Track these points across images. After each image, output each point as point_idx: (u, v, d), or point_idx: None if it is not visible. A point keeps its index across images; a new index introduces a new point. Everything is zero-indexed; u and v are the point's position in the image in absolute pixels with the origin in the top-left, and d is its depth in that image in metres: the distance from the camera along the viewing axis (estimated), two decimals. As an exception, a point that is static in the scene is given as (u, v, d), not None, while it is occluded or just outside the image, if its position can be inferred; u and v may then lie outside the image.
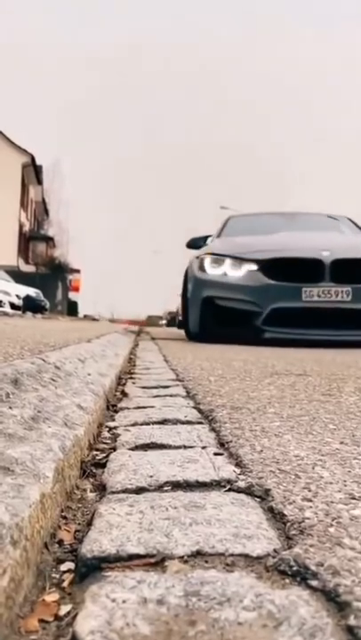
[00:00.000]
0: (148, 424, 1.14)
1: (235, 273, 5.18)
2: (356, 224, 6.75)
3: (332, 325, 4.90)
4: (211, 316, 5.22)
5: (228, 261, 5.26)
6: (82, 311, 38.17)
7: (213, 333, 5.18)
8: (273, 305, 4.92)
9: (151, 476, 0.76)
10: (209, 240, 6.50)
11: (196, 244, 6.57)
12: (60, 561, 0.55)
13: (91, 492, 0.77)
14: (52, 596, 0.48)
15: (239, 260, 5.21)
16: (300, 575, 0.47)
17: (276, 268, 4.98)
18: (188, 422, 1.17)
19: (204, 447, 0.94)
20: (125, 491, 0.70)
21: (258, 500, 0.68)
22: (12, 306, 14.94)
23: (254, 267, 5.07)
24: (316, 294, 4.85)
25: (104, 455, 0.93)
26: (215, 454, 0.89)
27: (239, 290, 5.07)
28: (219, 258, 5.35)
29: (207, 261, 5.39)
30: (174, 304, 27.40)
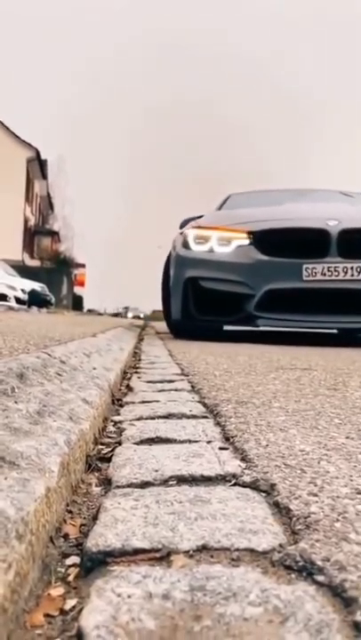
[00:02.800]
0: (153, 418, 1.14)
1: (223, 249, 4.26)
2: None
3: (339, 310, 4.06)
4: (194, 301, 4.33)
5: (215, 235, 4.33)
6: (87, 306, 38.23)
7: (198, 322, 4.36)
8: (267, 286, 4.05)
9: (156, 471, 0.76)
10: None
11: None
12: (66, 555, 0.55)
13: (96, 486, 0.77)
14: (57, 591, 0.48)
15: (228, 232, 4.33)
16: (307, 570, 0.47)
17: (272, 240, 4.14)
18: (194, 417, 1.17)
19: (209, 441, 0.94)
20: (131, 485, 0.70)
21: (263, 494, 0.67)
22: (18, 300, 14.97)
23: (246, 240, 4.19)
24: (321, 272, 3.98)
25: (109, 449, 0.93)
26: (220, 449, 0.89)
27: (228, 268, 4.17)
28: (205, 232, 4.41)
29: (191, 236, 4.45)
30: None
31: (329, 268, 3.97)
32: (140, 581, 0.45)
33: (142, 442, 0.94)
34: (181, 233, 4.68)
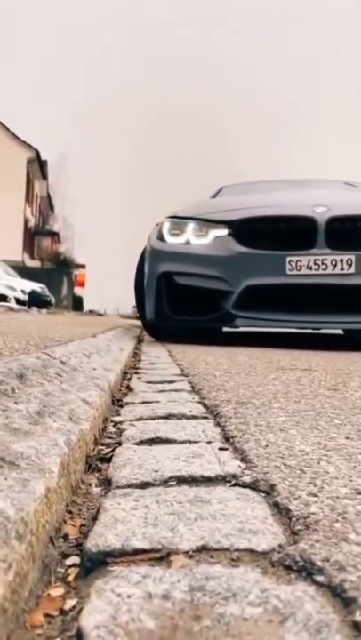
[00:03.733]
0: (153, 419, 1.14)
1: (200, 240, 3.81)
2: None
3: (327, 309, 3.61)
4: (168, 299, 3.85)
5: (191, 226, 3.85)
6: (87, 306, 38.25)
7: (172, 322, 3.88)
8: (247, 282, 3.60)
9: (156, 471, 0.76)
10: None
11: None
12: (66, 555, 0.55)
13: (96, 486, 0.77)
14: (57, 591, 0.48)
15: (205, 222, 3.83)
16: (306, 570, 0.47)
17: (252, 230, 3.69)
18: (194, 417, 1.17)
19: (209, 442, 0.94)
20: (131, 485, 0.70)
21: (263, 494, 0.67)
22: (18, 301, 14.98)
23: (224, 231, 3.74)
24: (306, 265, 3.51)
25: (109, 450, 0.93)
26: (220, 449, 0.89)
27: (204, 262, 3.72)
28: (181, 222, 3.92)
29: (166, 227, 3.96)
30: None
31: (316, 260, 3.51)
32: (140, 581, 0.45)
33: (142, 442, 0.94)
34: (157, 224, 4.19)
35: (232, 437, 0.97)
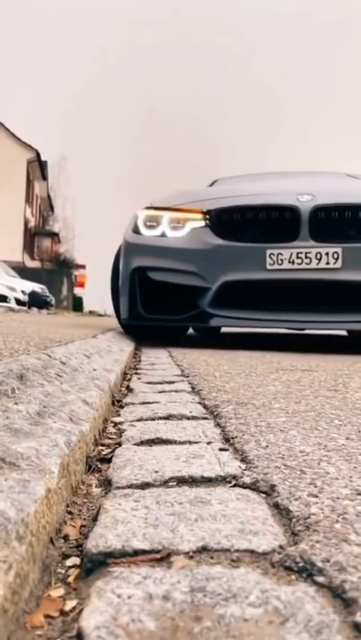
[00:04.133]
0: (153, 419, 1.14)
1: (176, 233, 3.49)
2: None
3: (312, 307, 3.30)
4: (142, 297, 3.55)
5: (166, 217, 3.54)
6: (87, 307, 38.24)
7: (146, 322, 3.57)
8: (224, 277, 3.31)
9: (156, 472, 0.76)
10: None
11: None
12: (66, 556, 0.55)
13: (96, 487, 0.77)
14: (57, 592, 0.48)
15: (182, 212, 3.54)
16: (307, 571, 0.47)
17: (230, 221, 3.41)
18: (194, 418, 1.17)
19: (209, 443, 0.94)
20: (131, 486, 0.70)
21: (263, 495, 0.67)
22: (18, 301, 14.98)
23: (201, 222, 3.45)
24: (288, 259, 3.21)
25: (109, 450, 0.93)
26: (220, 450, 0.89)
27: (180, 256, 3.41)
28: (157, 213, 3.61)
29: (141, 219, 3.63)
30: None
31: (298, 254, 3.21)
32: (141, 582, 0.45)
33: (142, 443, 0.94)
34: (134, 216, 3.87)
35: (232, 438, 0.97)
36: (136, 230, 3.63)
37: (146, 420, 1.15)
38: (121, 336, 3.58)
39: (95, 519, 0.60)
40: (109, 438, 1.04)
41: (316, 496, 0.65)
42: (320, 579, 0.46)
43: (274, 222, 3.31)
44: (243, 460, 0.83)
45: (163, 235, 3.53)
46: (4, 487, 0.53)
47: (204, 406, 1.31)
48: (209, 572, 0.47)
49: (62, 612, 0.45)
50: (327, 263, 3.18)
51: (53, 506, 0.59)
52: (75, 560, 0.54)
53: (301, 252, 3.21)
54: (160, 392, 1.55)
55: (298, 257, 3.21)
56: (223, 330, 6.52)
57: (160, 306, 3.51)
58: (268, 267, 3.24)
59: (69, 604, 0.46)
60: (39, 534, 0.51)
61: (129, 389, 1.62)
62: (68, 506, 0.67)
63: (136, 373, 2.06)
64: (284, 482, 0.71)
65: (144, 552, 0.51)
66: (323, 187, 3.59)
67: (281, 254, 3.23)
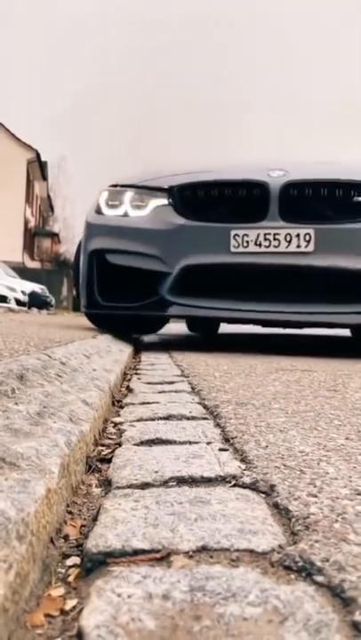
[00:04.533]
0: (153, 420, 1.15)
1: (138, 212, 3.18)
2: None
3: (281, 297, 2.93)
4: (99, 282, 3.23)
5: (128, 195, 3.23)
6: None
7: (103, 310, 3.27)
8: (185, 261, 2.97)
9: (156, 472, 0.76)
10: None
11: None
12: (66, 556, 0.55)
13: (96, 487, 0.77)
14: (57, 591, 0.48)
15: (145, 190, 3.22)
16: (306, 571, 0.47)
17: (194, 199, 3.08)
18: (194, 418, 1.17)
19: (209, 443, 0.94)
20: (131, 486, 0.71)
21: (263, 495, 0.68)
22: (18, 302, 14.97)
23: (164, 200, 3.12)
24: (255, 241, 2.85)
25: (109, 450, 0.94)
26: (220, 450, 0.89)
27: (140, 237, 3.09)
28: (120, 191, 3.29)
29: (103, 198, 3.33)
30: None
31: (266, 235, 2.84)
32: (141, 582, 0.45)
33: (142, 443, 0.95)
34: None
35: (232, 438, 0.97)
36: (98, 210, 3.35)
37: (146, 420, 1.15)
38: (121, 336, 3.58)
39: (95, 519, 0.60)
40: (109, 438, 1.04)
41: (316, 496, 0.65)
42: (319, 578, 0.46)
43: (241, 200, 2.99)
44: (242, 460, 0.83)
45: (125, 214, 3.23)
46: (5, 487, 0.53)
47: (204, 406, 1.31)
48: (208, 571, 0.47)
49: (62, 612, 0.45)
50: (298, 246, 2.83)
51: (53, 506, 0.59)
52: (75, 559, 0.54)
53: (269, 234, 2.85)
54: (160, 392, 1.55)
55: (265, 239, 2.86)
56: (223, 330, 6.53)
57: (118, 293, 3.18)
58: (233, 249, 2.91)
59: (69, 604, 0.46)
60: (39, 534, 0.51)
61: (129, 390, 1.62)
62: (68, 506, 0.67)
63: (136, 374, 2.06)
64: (284, 482, 0.71)
65: (144, 552, 0.51)
66: (299, 163, 3.24)
67: (247, 235, 2.88)
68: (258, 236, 2.87)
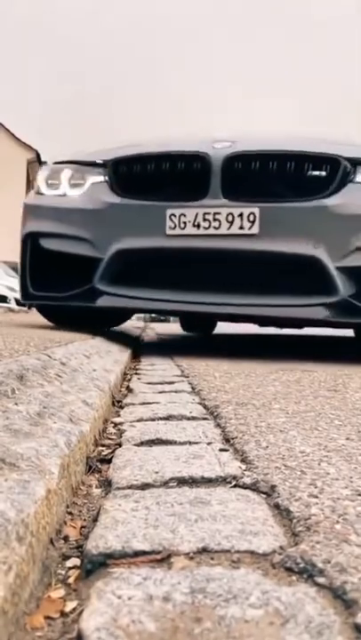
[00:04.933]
0: (153, 420, 1.14)
1: (75, 191, 2.87)
2: None
3: (223, 285, 2.56)
4: (31, 270, 2.95)
5: (66, 172, 2.92)
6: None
7: (35, 301, 3.01)
8: (117, 245, 2.66)
9: (157, 472, 0.75)
10: None
11: None
12: (66, 557, 0.55)
13: (96, 487, 0.77)
14: (57, 593, 0.48)
15: (81, 166, 2.90)
16: (307, 572, 0.47)
17: (130, 174, 2.75)
18: (194, 418, 1.17)
19: (209, 443, 0.94)
20: (131, 487, 0.70)
21: (264, 496, 0.67)
22: (18, 302, 14.97)
23: (101, 177, 2.81)
24: (193, 222, 2.52)
25: (110, 451, 0.93)
26: (221, 450, 0.89)
27: (73, 219, 2.79)
28: (60, 168, 2.97)
29: (42, 176, 3.04)
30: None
31: (205, 215, 2.50)
32: (141, 583, 0.45)
33: (142, 443, 0.94)
34: None
35: (232, 438, 0.97)
36: (38, 190, 3.05)
37: (146, 420, 1.15)
38: (121, 337, 3.58)
39: (95, 520, 0.60)
40: (109, 439, 1.04)
41: (317, 497, 0.65)
42: (321, 580, 0.46)
43: (180, 175, 2.64)
44: (243, 461, 0.83)
45: (64, 194, 2.92)
46: (4, 488, 0.53)
47: (205, 407, 1.31)
48: (209, 572, 0.47)
49: (62, 614, 0.44)
50: (241, 228, 2.47)
51: (53, 506, 0.58)
52: (75, 561, 0.54)
53: (209, 213, 2.50)
54: (160, 392, 1.55)
55: (204, 219, 2.51)
56: (224, 330, 6.52)
57: (51, 281, 2.87)
58: (168, 231, 2.57)
59: (69, 605, 0.45)
60: (39, 535, 0.51)
61: (129, 390, 1.62)
62: (68, 506, 0.67)
63: (136, 374, 2.06)
64: (285, 482, 0.71)
65: (144, 553, 0.51)
66: (249, 133, 2.91)
67: (184, 215, 2.54)
68: (196, 216, 2.52)
